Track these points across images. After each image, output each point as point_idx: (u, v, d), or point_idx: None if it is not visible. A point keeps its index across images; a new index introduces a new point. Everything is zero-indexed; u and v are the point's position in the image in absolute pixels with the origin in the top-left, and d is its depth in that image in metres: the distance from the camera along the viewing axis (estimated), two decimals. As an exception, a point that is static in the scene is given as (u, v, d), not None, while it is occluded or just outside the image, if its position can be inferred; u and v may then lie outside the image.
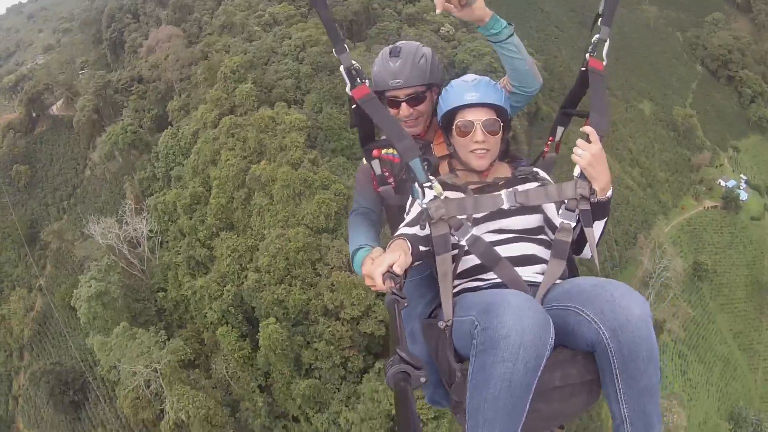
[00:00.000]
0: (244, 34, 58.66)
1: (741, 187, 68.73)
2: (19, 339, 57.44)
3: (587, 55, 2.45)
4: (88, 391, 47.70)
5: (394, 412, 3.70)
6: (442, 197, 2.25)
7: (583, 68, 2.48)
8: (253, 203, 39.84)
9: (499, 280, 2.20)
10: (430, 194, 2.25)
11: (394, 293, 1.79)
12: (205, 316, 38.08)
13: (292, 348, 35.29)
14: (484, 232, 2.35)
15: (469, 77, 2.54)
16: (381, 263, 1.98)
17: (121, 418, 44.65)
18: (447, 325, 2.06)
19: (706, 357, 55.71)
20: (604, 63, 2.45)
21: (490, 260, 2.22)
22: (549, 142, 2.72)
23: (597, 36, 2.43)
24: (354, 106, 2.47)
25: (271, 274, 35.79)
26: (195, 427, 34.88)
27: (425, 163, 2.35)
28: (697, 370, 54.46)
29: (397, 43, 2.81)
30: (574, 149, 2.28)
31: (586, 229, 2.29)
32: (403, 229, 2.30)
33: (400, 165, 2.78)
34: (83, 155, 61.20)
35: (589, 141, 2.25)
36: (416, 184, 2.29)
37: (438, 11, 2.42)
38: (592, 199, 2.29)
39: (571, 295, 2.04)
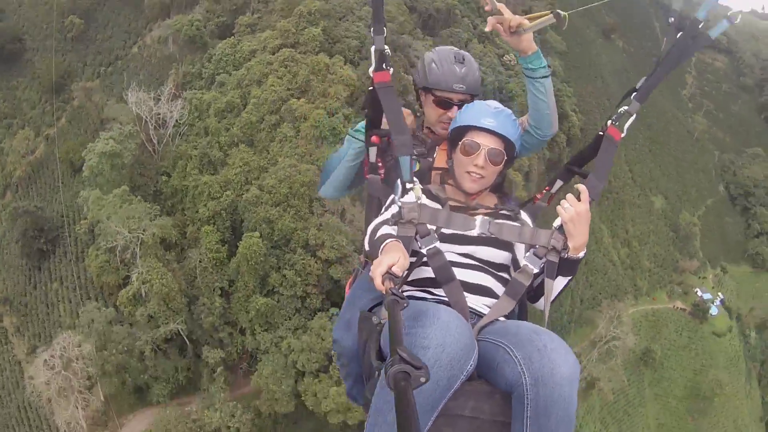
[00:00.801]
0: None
1: (715, 303, 72.99)
2: (7, 177, 60.38)
3: (609, 121, 2.54)
4: (58, 246, 50.60)
5: (332, 353, 4.07)
6: (418, 201, 2.40)
7: (601, 132, 2.56)
8: (279, 131, 43.53)
9: (446, 299, 2.27)
10: (408, 195, 2.41)
11: (393, 294, 1.81)
12: (197, 211, 41.62)
13: (264, 266, 38.94)
14: (450, 250, 2.43)
15: (493, 103, 2.63)
16: (380, 264, 2.03)
17: (81, 278, 47.97)
18: (380, 323, 2.17)
19: None
20: (623, 135, 2.53)
21: (443, 277, 2.29)
22: (544, 192, 2.80)
23: (625, 108, 2.52)
24: (371, 88, 2.59)
25: (271, 195, 39.47)
26: (152, 303, 38.39)
27: (417, 163, 2.62)
28: None
29: (458, 50, 3.02)
30: (562, 202, 2.39)
31: (546, 280, 2.37)
32: (387, 229, 2.39)
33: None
34: (137, 33, 64.66)
35: (579, 199, 2.35)
36: (398, 181, 2.47)
37: (488, 29, 2.60)
38: (562, 254, 2.38)
39: (506, 333, 2.10)
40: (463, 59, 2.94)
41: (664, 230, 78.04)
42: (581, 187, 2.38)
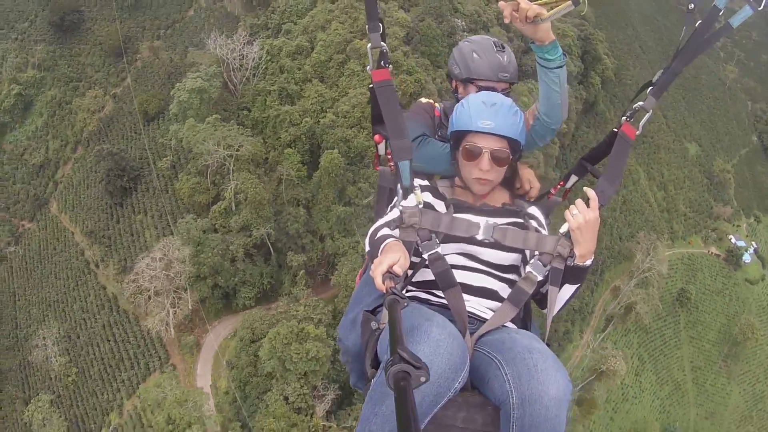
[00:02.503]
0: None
1: (748, 251, 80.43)
2: (78, 133, 69.93)
3: (623, 118, 2.64)
4: (139, 183, 59.70)
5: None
6: (420, 206, 2.53)
7: (615, 129, 2.65)
8: (347, 67, 52.45)
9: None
10: (410, 199, 2.54)
11: (394, 293, 1.90)
12: (278, 138, 50.52)
13: (342, 180, 47.67)
14: (454, 252, 2.59)
15: (490, 99, 2.66)
16: (381, 263, 2.14)
17: (168, 206, 56.82)
18: (378, 329, 2.30)
19: (660, 373, 67.12)
20: (638, 132, 2.62)
21: (444, 282, 2.42)
22: (558, 186, 2.93)
23: (640, 103, 2.61)
24: (371, 87, 2.64)
25: (346, 118, 48.33)
26: (245, 211, 47.17)
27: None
28: (649, 379, 65.91)
29: (495, 39, 3.26)
30: (570, 207, 2.47)
31: (550, 288, 2.47)
32: (388, 231, 2.52)
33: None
34: (191, -3, 74.63)
35: (588, 205, 2.42)
36: (399, 186, 2.57)
37: (506, 21, 2.71)
38: (568, 262, 2.49)
39: (501, 347, 2.21)
40: (503, 47, 3.18)
41: (698, 176, 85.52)
42: (590, 193, 2.46)
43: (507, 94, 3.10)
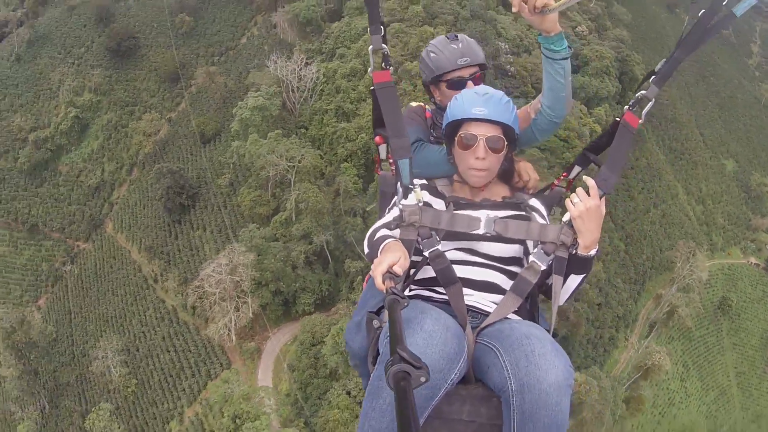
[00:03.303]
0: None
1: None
2: (134, 156, 75.52)
3: (626, 107, 2.71)
4: (197, 200, 64.28)
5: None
6: (420, 204, 2.65)
7: (618, 119, 2.74)
8: (399, 87, 57.33)
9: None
10: (410, 197, 2.66)
11: (394, 293, 1.99)
12: (335, 153, 55.33)
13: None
14: (455, 247, 2.70)
15: (482, 89, 2.81)
16: (381, 263, 2.23)
17: (227, 221, 61.30)
18: (380, 326, 2.37)
19: (705, 379, 69.46)
20: (641, 121, 2.70)
21: (445, 279, 2.51)
22: (562, 177, 3.04)
23: (643, 92, 2.67)
24: (372, 88, 2.80)
25: (401, 134, 52.77)
26: (306, 219, 51.49)
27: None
28: (694, 385, 68.12)
29: (449, 33, 3.47)
30: (572, 195, 2.58)
31: (554, 277, 2.56)
32: (388, 231, 2.65)
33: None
34: (243, 26, 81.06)
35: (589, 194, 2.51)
36: (398, 184, 2.68)
37: (514, 10, 2.80)
38: (571, 251, 2.58)
39: (500, 335, 2.29)
40: (456, 37, 3.35)
41: (735, 191, 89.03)
42: (589, 181, 2.55)
43: (480, 78, 3.32)
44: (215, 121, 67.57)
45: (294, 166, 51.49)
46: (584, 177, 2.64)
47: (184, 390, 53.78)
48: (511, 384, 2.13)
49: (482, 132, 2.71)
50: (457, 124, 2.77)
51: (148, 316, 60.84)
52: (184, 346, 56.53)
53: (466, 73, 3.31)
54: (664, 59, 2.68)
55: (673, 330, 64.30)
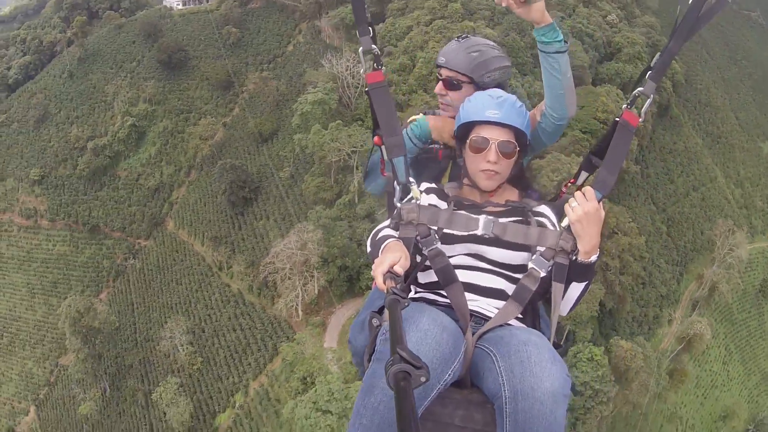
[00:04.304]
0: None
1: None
2: (191, 158, 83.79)
3: (624, 106, 2.78)
4: (259, 194, 71.65)
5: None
6: (418, 201, 2.77)
7: (617, 119, 2.78)
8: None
9: None
10: (408, 196, 2.80)
11: (394, 293, 2.07)
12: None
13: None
14: (461, 252, 2.77)
15: (495, 93, 2.91)
16: (382, 263, 2.33)
17: (291, 209, 68.43)
18: (379, 325, 2.44)
19: (748, 363, 74.46)
20: (641, 120, 2.77)
21: (445, 279, 2.62)
22: (569, 184, 3.05)
23: (640, 89, 2.73)
24: (366, 90, 3.00)
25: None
26: (369, 198, 58.37)
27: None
28: (736, 369, 72.95)
29: (472, 36, 3.59)
30: (569, 200, 2.65)
31: (554, 284, 2.63)
32: (389, 231, 2.78)
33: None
34: (288, 34, 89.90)
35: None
36: (395, 183, 2.84)
37: (503, 4, 2.86)
38: (572, 257, 2.64)
39: (499, 341, 2.37)
40: (463, 39, 3.53)
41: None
42: (586, 188, 2.65)
43: (448, 85, 3.45)
44: (271, 121, 75.54)
45: (356, 151, 58.70)
46: (587, 186, 2.72)
47: (249, 364, 58.91)
48: (504, 391, 2.19)
49: (495, 136, 2.80)
50: (469, 127, 2.86)
51: (214, 300, 67.44)
52: (251, 324, 62.58)
53: (443, 72, 3.56)
54: (659, 53, 2.74)
55: (716, 312, 69.19)
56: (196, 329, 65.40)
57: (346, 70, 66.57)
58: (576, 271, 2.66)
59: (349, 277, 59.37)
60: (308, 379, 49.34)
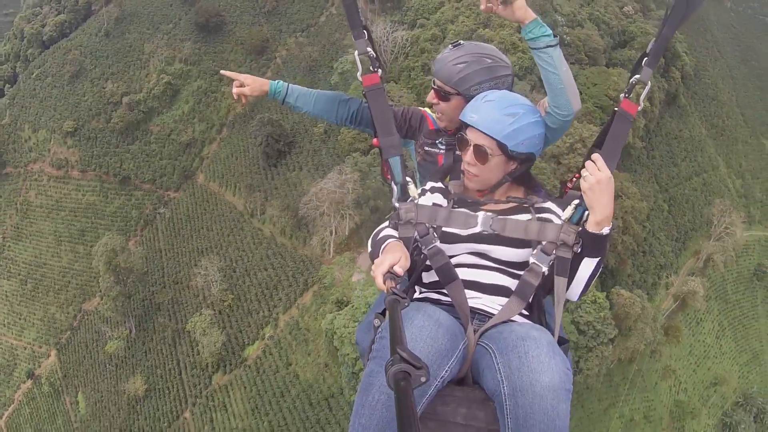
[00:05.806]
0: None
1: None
2: (223, 117, 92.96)
3: (622, 95, 2.88)
4: (293, 147, 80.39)
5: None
6: (415, 200, 2.90)
7: (615, 109, 2.89)
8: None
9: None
10: (405, 195, 2.93)
11: (394, 293, 2.14)
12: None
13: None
14: (464, 251, 2.87)
15: (493, 95, 2.97)
16: (382, 263, 2.43)
17: (325, 159, 77.77)
18: (380, 325, 2.55)
19: (740, 341, 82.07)
20: (640, 107, 2.86)
21: (445, 277, 2.73)
22: (574, 179, 3.05)
23: (637, 77, 2.85)
24: (363, 93, 3.16)
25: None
26: (401, 149, 68.24)
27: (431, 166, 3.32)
28: (729, 345, 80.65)
29: (466, 41, 3.59)
30: (582, 171, 2.72)
31: (556, 278, 2.69)
32: (390, 231, 2.89)
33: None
34: (321, 5, 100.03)
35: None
36: (392, 182, 2.99)
37: (482, 8, 3.06)
38: (587, 228, 2.69)
39: (498, 337, 2.44)
40: (456, 47, 3.52)
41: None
42: (595, 155, 2.72)
43: (439, 96, 3.53)
44: (304, 84, 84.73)
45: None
46: (593, 156, 2.77)
47: (280, 299, 64.80)
48: (503, 387, 2.24)
49: (472, 138, 2.89)
50: (465, 125, 2.95)
51: (246, 243, 74.86)
52: (282, 263, 69.68)
53: (436, 82, 3.63)
54: (653, 39, 2.84)
55: (711, 290, 76.65)
56: (228, 269, 72.12)
57: (383, 35, 76.99)
58: (589, 244, 2.69)
59: (379, 219, 68.83)
60: (343, 301, 57.13)
